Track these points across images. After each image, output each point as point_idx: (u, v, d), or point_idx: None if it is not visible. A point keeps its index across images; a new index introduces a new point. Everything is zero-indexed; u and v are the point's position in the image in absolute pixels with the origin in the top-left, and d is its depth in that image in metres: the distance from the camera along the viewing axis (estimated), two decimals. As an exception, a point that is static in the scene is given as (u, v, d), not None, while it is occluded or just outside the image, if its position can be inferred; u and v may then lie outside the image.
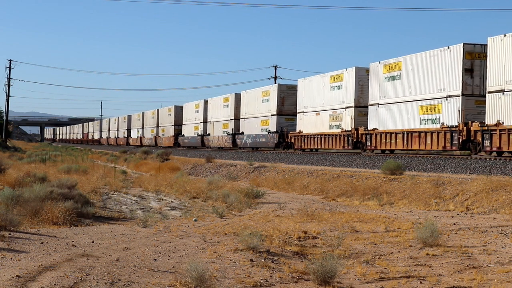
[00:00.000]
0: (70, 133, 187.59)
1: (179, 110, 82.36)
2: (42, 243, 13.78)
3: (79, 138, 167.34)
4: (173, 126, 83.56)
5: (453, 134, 32.22)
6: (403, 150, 37.38)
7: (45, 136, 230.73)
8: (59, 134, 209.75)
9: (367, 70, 40.83)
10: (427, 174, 26.84)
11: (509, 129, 27.99)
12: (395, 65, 37.49)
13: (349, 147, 42.00)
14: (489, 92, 29.36)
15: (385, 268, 12.09)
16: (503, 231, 15.60)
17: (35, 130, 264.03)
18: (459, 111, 31.99)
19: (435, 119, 33.77)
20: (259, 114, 56.58)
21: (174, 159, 54.38)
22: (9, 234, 14.44)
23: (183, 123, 79.99)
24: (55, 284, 9.96)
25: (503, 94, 28.50)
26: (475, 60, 31.97)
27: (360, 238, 15.21)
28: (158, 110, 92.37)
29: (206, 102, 71.77)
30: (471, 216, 19.03)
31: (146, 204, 26.44)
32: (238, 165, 41.72)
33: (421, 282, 11.04)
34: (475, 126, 30.57)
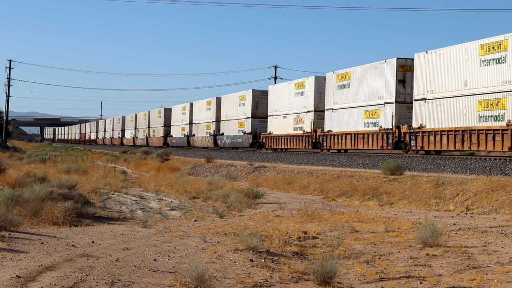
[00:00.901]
0: (68, 133, 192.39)
1: (168, 112, 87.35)
2: (42, 243, 13.78)
3: (77, 138, 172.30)
4: (163, 127, 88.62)
5: (388, 136, 37.74)
6: (353, 149, 42.99)
7: (45, 136, 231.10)
8: (59, 134, 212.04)
9: (325, 79, 46.40)
10: (427, 174, 26.84)
11: (429, 131, 34.10)
12: (345, 75, 43.11)
13: (309, 147, 47.48)
14: (415, 100, 35.49)
15: (385, 268, 12.09)
16: (503, 231, 15.60)
17: (35, 130, 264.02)
18: (392, 116, 37.58)
19: (376, 122, 39.34)
20: (237, 116, 62.13)
21: (174, 159, 54.39)
22: (9, 234, 14.44)
23: (172, 124, 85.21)
24: (55, 284, 9.96)
25: (425, 102, 34.65)
26: (406, 72, 37.43)
27: (360, 238, 15.21)
28: (149, 112, 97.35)
29: (191, 105, 77.33)
30: (471, 216, 19.03)
31: (146, 204, 26.44)
32: (238, 165, 41.73)
33: (421, 282, 11.04)
34: (404, 128, 36.48)
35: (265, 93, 57.89)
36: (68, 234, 15.43)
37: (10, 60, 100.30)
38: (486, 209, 19.64)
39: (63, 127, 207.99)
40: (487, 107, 30.23)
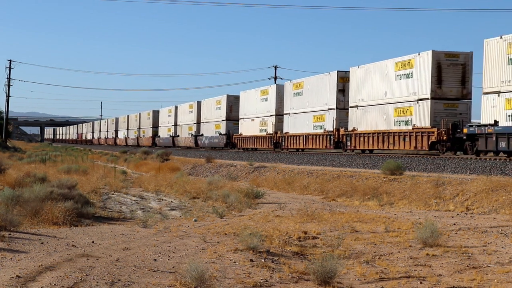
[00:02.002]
0: (66, 134, 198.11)
1: (156, 114, 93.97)
2: (42, 243, 13.78)
3: (74, 138, 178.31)
4: (151, 128, 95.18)
5: (331, 137, 44.51)
6: (304, 148, 49.22)
7: (45, 136, 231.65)
8: (58, 134, 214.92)
9: (284, 87, 53.49)
10: (427, 174, 26.84)
11: (359, 133, 40.64)
12: (299, 84, 49.99)
13: (272, 147, 54.49)
14: (350, 107, 42.18)
15: (385, 268, 12.09)
16: (503, 231, 15.60)
17: (35, 130, 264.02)
18: (333, 120, 44.16)
19: (321, 125, 45.97)
20: (214, 119, 68.63)
21: (174, 159, 54.39)
22: (9, 234, 14.43)
23: (159, 125, 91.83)
24: (55, 284, 9.96)
25: (357, 108, 41.30)
26: (346, 83, 43.50)
27: (360, 238, 15.21)
28: (140, 113, 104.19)
29: (176, 107, 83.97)
30: (471, 216, 19.03)
31: (146, 204, 26.44)
32: (238, 165, 41.74)
33: (421, 282, 11.04)
34: (342, 131, 43.05)
35: (238, 98, 63.38)
36: (68, 234, 15.43)
37: (10, 60, 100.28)
38: (486, 209, 19.64)
39: (62, 127, 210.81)
40: (400, 114, 37.09)
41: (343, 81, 43.87)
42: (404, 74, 36.55)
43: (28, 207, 17.90)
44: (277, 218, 19.14)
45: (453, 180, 23.10)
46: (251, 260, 12.43)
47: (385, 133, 37.99)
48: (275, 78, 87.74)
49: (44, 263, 11.44)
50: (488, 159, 28.88)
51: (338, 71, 44.05)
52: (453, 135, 33.08)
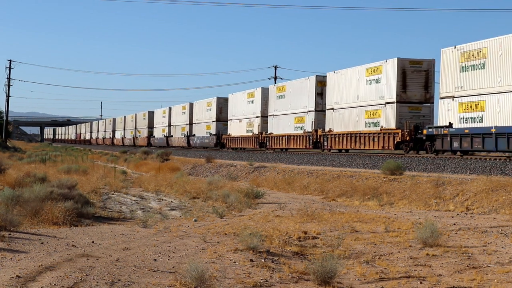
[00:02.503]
0: (65, 134, 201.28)
1: (151, 115, 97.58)
2: (42, 243, 13.78)
3: (73, 138, 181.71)
4: (147, 129, 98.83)
5: (309, 137, 47.56)
6: (287, 148, 52.52)
7: (45, 136, 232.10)
8: (58, 134, 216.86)
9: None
10: (427, 174, 26.84)
11: (335, 134, 43.80)
12: (282, 88, 53.55)
13: (257, 146, 57.69)
14: (327, 109, 45.21)
15: (385, 268, 12.09)
16: (503, 231, 15.60)
17: (35, 130, 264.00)
18: (312, 121, 47.14)
19: (302, 126, 49.05)
20: (205, 120, 72.06)
21: (174, 159, 54.39)
22: (9, 234, 14.43)
23: (154, 126, 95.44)
24: (55, 284, 9.96)
25: (333, 111, 44.31)
26: (324, 87, 46.30)
27: (360, 238, 15.21)
28: (136, 114, 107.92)
29: (170, 109, 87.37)
30: (471, 216, 19.02)
31: (146, 204, 26.44)
32: (238, 165, 41.74)
33: (421, 282, 11.04)
34: (319, 132, 46.07)
35: (227, 100, 66.33)
36: (68, 234, 15.43)
37: (10, 60, 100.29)
38: (486, 209, 19.64)
39: (61, 128, 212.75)
40: (370, 116, 39.92)
41: (321, 85, 46.88)
42: (374, 80, 39.63)
43: (28, 207, 17.89)
44: (277, 218, 19.13)
45: (453, 180, 23.09)
46: (251, 260, 12.43)
47: (357, 134, 41.12)
48: (275, 78, 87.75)
49: (44, 263, 11.44)
50: (488, 159, 28.90)
51: (316, 75, 47.64)
52: (415, 136, 36.12)
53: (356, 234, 15.78)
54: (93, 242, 14.33)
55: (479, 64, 30.99)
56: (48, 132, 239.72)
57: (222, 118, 67.76)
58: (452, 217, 18.98)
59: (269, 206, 23.21)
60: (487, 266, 11.99)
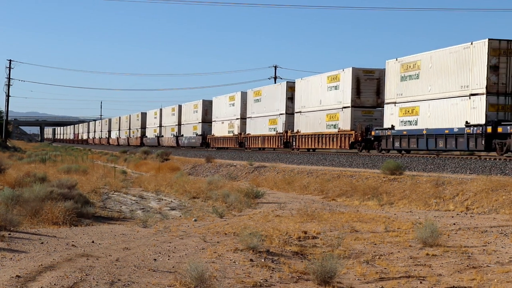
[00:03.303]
0: (64, 134, 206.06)
1: (144, 116, 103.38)
2: (42, 243, 13.78)
3: (71, 138, 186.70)
4: (140, 129, 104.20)
5: (281, 138, 53.11)
6: (263, 147, 57.62)
7: (44, 136, 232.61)
8: (57, 134, 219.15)
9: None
10: (427, 174, 26.84)
11: (302, 135, 49.31)
12: (258, 92, 58.77)
13: (237, 146, 62.98)
14: (295, 112, 50.57)
15: (385, 268, 12.09)
16: (503, 231, 15.60)
17: (35, 130, 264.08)
18: (283, 123, 52.75)
19: (275, 128, 54.55)
20: (192, 121, 77.65)
21: (174, 159, 54.38)
22: (9, 234, 14.43)
23: (147, 126, 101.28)
24: (55, 284, 9.96)
25: (300, 114, 49.53)
26: (293, 92, 51.37)
27: (360, 238, 15.21)
28: (130, 115, 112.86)
29: (161, 110, 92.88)
30: (471, 216, 19.03)
31: (146, 204, 26.44)
32: (238, 165, 41.74)
33: (421, 282, 11.04)
34: (289, 133, 51.73)
35: (212, 103, 71.82)
36: (68, 234, 15.43)
37: (10, 60, 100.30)
38: (486, 209, 19.64)
39: (60, 128, 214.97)
40: (330, 119, 44.94)
41: (291, 90, 51.98)
42: (333, 86, 44.77)
43: (28, 207, 17.89)
44: (277, 218, 19.14)
45: (453, 180, 23.09)
46: (251, 260, 12.43)
47: (320, 134, 46.31)
48: (275, 78, 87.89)
49: (44, 263, 11.44)
50: (488, 159, 28.90)
51: (287, 81, 53.90)
52: (366, 137, 40.90)
53: (356, 234, 15.78)
54: (93, 242, 14.33)
55: (415, 74, 36.13)
56: (48, 132, 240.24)
57: (207, 119, 72.88)
58: (452, 217, 18.98)
59: (269, 206, 23.21)
60: (487, 266, 11.99)
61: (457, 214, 19.55)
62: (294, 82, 51.43)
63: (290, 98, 52.19)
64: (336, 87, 44.35)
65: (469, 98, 31.79)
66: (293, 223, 17.58)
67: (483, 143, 30.90)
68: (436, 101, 33.99)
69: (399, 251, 13.64)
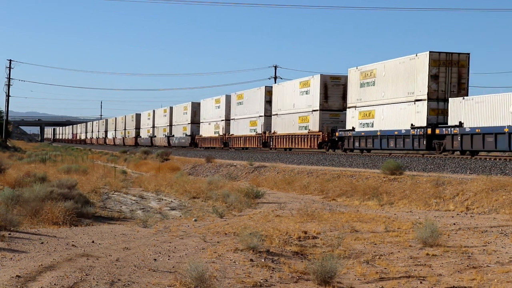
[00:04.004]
0: (63, 134, 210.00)
1: (138, 117, 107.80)
2: (42, 243, 13.78)
3: (69, 138, 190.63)
4: (135, 130, 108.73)
5: (260, 138, 57.77)
6: (245, 147, 61.84)
7: (44, 136, 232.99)
8: (57, 134, 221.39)
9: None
10: (427, 174, 26.85)
11: (278, 135, 53.84)
12: (241, 95, 63.53)
13: (222, 145, 67.68)
14: (273, 115, 55.19)
15: (385, 268, 12.09)
16: (503, 231, 15.60)
17: (35, 130, 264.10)
18: (262, 125, 57.31)
19: (255, 129, 59.07)
20: (182, 122, 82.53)
21: (174, 159, 54.38)
22: (9, 234, 14.43)
23: (141, 127, 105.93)
24: (55, 284, 9.96)
25: (277, 116, 53.97)
26: (271, 96, 55.89)
27: (360, 238, 15.21)
28: (125, 116, 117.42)
29: (154, 112, 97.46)
30: (471, 216, 19.03)
31: (146, 204, 26.43)
32: (238, 165, 41.74)
33: (421, 282, 11.04)
34: (267, 133, 56.49)
35: (200, 105, 76.55)
36: (68, 234, 15.43)
37: (10, 60, 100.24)
38: (486, 209, 19.64)
39: (60, 128, 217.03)
40: (302, 121, 48.98)
41: (269, 94, 56.43)
42: (304, 91, 49.03)
43: (28, 207, 17.88)
44: (277, 218, 19.14)
45: (453, 180, 23.09)
46: (251, 260, 12.42)
47: (293, 135, 50.63)
48: (275, 78, 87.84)
49: (44, 263, 11.44)
50: (488, 159, 28.92)
51: (265, 86, 58.25)
52: (332, 137, 45.28)
53: (356, 234, 15.78)
54: (93, 242, 14.33)
55: (371, 81, 40.56)
56: (48, 132, 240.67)
57: (196, 120, 77.44)
58: (452, 217, 18.98)
59: (269, 206, 23.21)
60: (487, 266, 11.99)
61: (457, 214, 19.55)
62: (272, 86, 56.89)
63: (269, 102, 56.42)
64: (307, 92, 48.57)
65: (414, 103, 36.29)
66: (293, 223, 17.58)
67: (424, 143, 35.28)
68: (388, 106, 38.60)
69: (399, 251, 13.64)
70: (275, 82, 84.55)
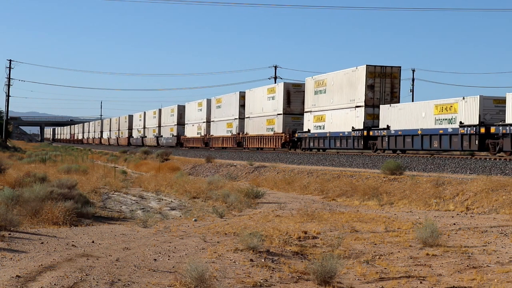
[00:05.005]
0: (62, 134, 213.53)
1: (131, 118, 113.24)
2: (42, 243, 13.78)
3: (68, 138, 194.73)
4: (128, 130, 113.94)
5: (235, 139, 62.93)
6: (223, 147, 66.84)
7: (44, 136, 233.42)
8: (57, 134, 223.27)
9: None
10: (427, 174, 26.84)
11: (249, 136, 59.40)
12: (219, 100, 68.75)
13: (203, 145, 72.47)
14: (246, 118, 60.60)
15: (385, 268, 12.09)
16: (503, 231, 15.60)
17: (35, 130, 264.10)
18: (236, 126, 62.64)
19: (231, 130, 64.45)
20: (169, 123, 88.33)
21: (174, 159, 54.38)
22: (9, 234, 14.43)
23: (133, 128, 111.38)
24: (55, 284, 9.96)
25: (249, 119, 59.80)
26: (244, 100, 61.52)
27: (360, 238, 15.21)
28: (119, 117, 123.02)
29: (144, 113, 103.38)
30: (471, 216, 19.03)
31: (146, 204, 26.44)
32: (238, 165, 41.73)
33: (421, 282, 11.04)
34: (241, 134, 61.64)
35: (184, 108, 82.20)
36: (68, 234, 15.43)
37: (10, 60, 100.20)
38: (486, 209, 19.64)
39: (60, 128, 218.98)
40: (269, 123, 54.81)
41: (243, 99, 61.89)
42: (271, 97, 54.76)
43: (28, 207, 17.88)
44: (277, 218, 19.14)
45: (453, 180, 23.09)
46: (251, 260, 12.43)
47: (262, 136, 56.15)
48: (275, 78, 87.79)
49: (44, 263, 11.44)
50: (488, 159, 28.95)
51: (240, 92, 62.86)
52: (292, 138, 50.89)
53: (356, 234, 15.78)
54: (93, 242, 14.33)
55: (323, 90, 46.71)
56: (48, 132, 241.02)
57: (181, 122, 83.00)
58: (452, 217, 18.98)
59: (269, 206, 23.21)
60: (487, 266, 11.99)
61: (457, 214, 19.55)
62: (245, 92, 61.88)
63: (242, 106, 61.81)
64: (273, 98, 54.36)
65: (355, 109, 42.26)
66: (293, 223, 17.58)
67: (362, 143, 41.41)
68: (336, 111, 44.75)
69: (399, 251, 13.64)
70: (275, 82, 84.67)
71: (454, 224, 17.21)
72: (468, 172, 26.82)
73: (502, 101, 31.78)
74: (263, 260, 12.48)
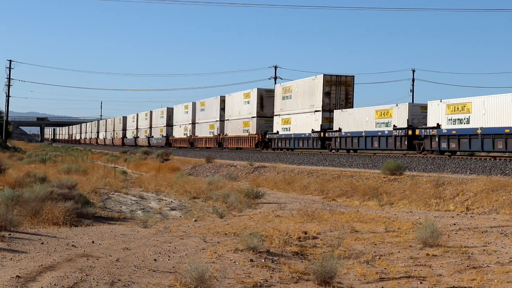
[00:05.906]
0: (61, 134, 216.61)
1: (125, 120, 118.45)
2: (42, 243, 13.78)
3: (66, 138, 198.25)
4: (122, 131, 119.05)
5: (216, 139, 68.18)
6: (206, 147, 71.61)
7: (45, 136, 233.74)
8: (57, 134, 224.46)
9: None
10: (427, 174, 26.84)
11: (228, 137, 64.41)
12: (203, 103, 74.03)
13: (189, 145, 78.24)
14: (225, 120, 65.63)
15: (385, 268, 12.09)
16: (503, 231, 15.60)
17: (35, 130, 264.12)
18: (217, 128, 67.78)
19: (213, 132, 69.28)
20: (159, 125, 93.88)
21: (174, 159, 54.38)
22: (9, 234, 14.43)
23: (127, 129, 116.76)
24: (55, 284, 9.96)
25: (228, 121, 64.72)
26: (225, 103, 66.37)
27: (360, 238, 15.21)
28: (114, 118, 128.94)
29: (137, 115, 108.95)
30: (471, 216, 19.03)
31: (146, 205, 26.43)
32: (238, 165, 41.73)
33: (421, 282, 11.04)
34: (221, 135, 66.61)
35: (173, 110, 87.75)
36: (68, 234, 15.43)
37: (10, 60, 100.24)
38: (486, 209, 19.64)
39: (59, 128, 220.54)
40: (245, 125, 59.71)
41: (224, 102, 66.81)
42: (247, 101, 59.85)
43: (28, 207, 17.88)
44: (277, 218, 19.14)
45: (453, 180, 23.09)
46: (251, 260, 12.43)
47: (239, 137, 61.07)
48: (275, 78, 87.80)
49: (44, 263, 11.44)
50: (488, 159, 28.97)
51: (220, 96, 68.03)
52: (264, 139, 56.45)
53: (356, 234, 15.78)
54: (93, 242, 14.33)
55: (289, 96, 52.29)
56: (48, 132, 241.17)
57: (170, 123, 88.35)
58: (452, 217, 18.98)
59: (269, 206, 23.21)
60: (487, 266, 11.99)
61: (457, 214, 19.55)
62: (225, 96, 66.66)
63: (223, 109, 66.68)
64: (248, 102, 59.40)
65: (314, 113, 47.80)
66: (293, 223, 17.58)
67: (319, 143, 47.16)
68: (299, 115, 50.16)
69: (399, 251, 13.65)
70: (275, 83, 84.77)
71: (454, 224, 17.21)
72: (468, 172, 26.83)
73: (427, 108, 36.50)
74: (263, 260, 12.48)
